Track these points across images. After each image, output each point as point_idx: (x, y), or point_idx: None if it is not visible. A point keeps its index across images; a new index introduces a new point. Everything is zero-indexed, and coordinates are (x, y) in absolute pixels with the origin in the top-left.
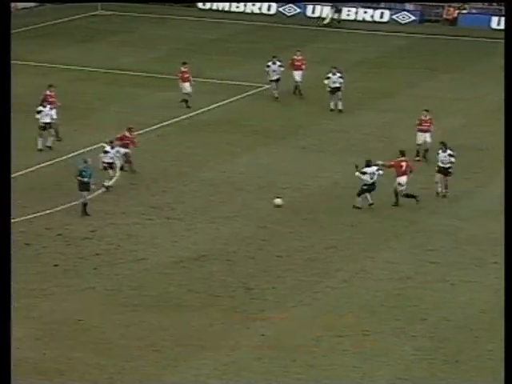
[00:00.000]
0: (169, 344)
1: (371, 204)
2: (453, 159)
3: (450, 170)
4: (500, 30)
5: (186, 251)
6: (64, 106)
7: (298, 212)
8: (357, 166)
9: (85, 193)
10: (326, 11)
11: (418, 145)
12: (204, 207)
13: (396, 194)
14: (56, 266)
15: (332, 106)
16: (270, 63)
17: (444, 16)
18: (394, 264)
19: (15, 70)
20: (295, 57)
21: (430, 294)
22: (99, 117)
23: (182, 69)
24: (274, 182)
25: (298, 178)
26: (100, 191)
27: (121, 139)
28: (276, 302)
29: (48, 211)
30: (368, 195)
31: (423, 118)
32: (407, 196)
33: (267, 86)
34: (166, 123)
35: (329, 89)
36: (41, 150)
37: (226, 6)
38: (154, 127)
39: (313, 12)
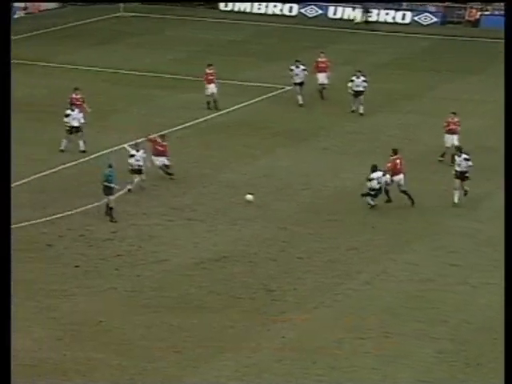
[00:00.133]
0: (190, 345)
1: (374, 205)
2: (470, 163)
3: (466, 175)
4: None
5: (207, 252)
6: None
7: (318, 213)
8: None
9: (110, 197)
10: (348, 12)
11: (447, 147)
12: (225, 209)
13: (387, 191)
14: (77, 266)
15: (353, 107)
16: (293, 67)
17: (466, 17)
18: (415, 266)
19: (37, 71)
20: (319, 59)
21: (451, 297)
22: (120, 118)
23: (207, 70)
24: (294, 184)
25: (319, 179)
26: (122, 192)
27: (154, 143)
28: (297, 304)
29: (70, 212)
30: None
31: (450, 120)
32: (405, 193)
33: (288, 88)
34: (187, 125)
35: (352, 92)
36: (62, 151)
37: (247, 7)
38: (175, 129)
39: (334, 13)
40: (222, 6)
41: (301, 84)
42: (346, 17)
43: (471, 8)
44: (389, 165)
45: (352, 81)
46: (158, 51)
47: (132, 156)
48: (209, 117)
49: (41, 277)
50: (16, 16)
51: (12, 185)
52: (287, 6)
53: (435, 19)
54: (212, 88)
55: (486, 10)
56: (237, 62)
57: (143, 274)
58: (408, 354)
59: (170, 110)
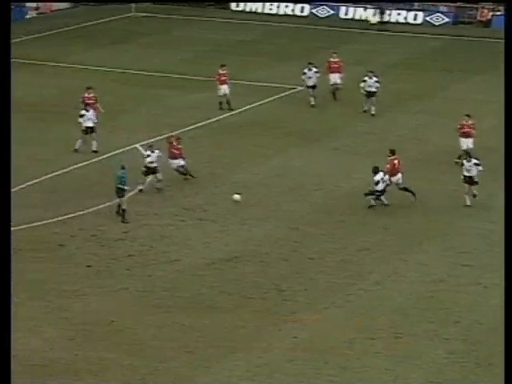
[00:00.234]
0: (201, 345)
1: (372, 206)
2: (480, 168)
3: (475, 180)
4: None
5: (219, 252)
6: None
7: (330, 214)
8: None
9: (123, 199)
10: (359, 12)
11: (463, 150)
12: (236, 209)
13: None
14: (89, 266)
15: (365, 107)
16: (306, 70)
17: (478, 18)
18: (427, 266)
19: (47, 71)
20: (331, 59)
21: (463, 297)
22: (130, 118)
23: (220, 71)
24: (306, 184)
25: (331, 179)
26: (133, 193)
27: (170, 146)
28: (308, 304)
29: (82, 212)
30: (372, 197)
31: (464, 122)
32: (405, 189)
33: (300, 88)
34: (199, 125)
35: (364, 92)
36: (76, 151)
37: (258, 7)
38: (186, 129)
39: (346, 14)
40: (233, 6)
41: (313, 87)
42: (357, 17)
43: (483, 8)
44: (387, 166)
45: (364, 81)
46: (168, 51)
47: (147, 157)
48: (221, 117)
49: (52, 277)
50: (28, 16)
51: (24, 185)
52: (298, 6)
53: (447, 19)
54: (225, 89)
55: (498, 11)
56: (248, 62)
57: (155, 274)
58: (419, 355)
59: (179, 110)
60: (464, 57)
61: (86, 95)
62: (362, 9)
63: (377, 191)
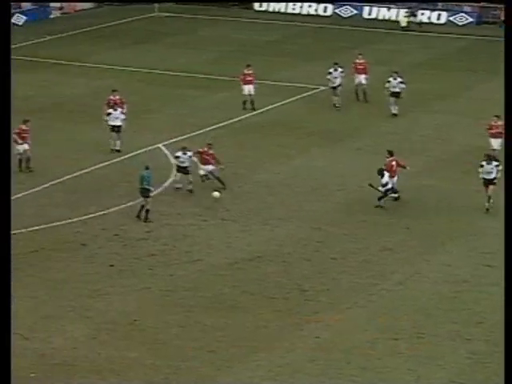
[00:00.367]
0: (223, 345)
1: (382, 206)
2: (501, 167)
3: (495, 181)
4: None
5: (241, 252)
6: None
7: (352, 214)
8: (371, 185)
9: (148, 199)
10: (383, 12)
11: (493, 150)
12: (258, 209)
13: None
14: (112, 266)
15: (392, 110)
16: (331, 70)
17: (502, 18)
18: (450, 267)
19: (72, 71)
20: (357, 60)
21: (486, 298)
22: (154, 118)
23: (245, 71)
24: (329, 184)
25: (353, 179)
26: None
27: (200, 153)
28: (330, 304)
29: (104, 212)
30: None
31: (493, 123)
32: (394, 192)
33: (323, 88)
34: (221, 125)
35: (389, 92)
36: (112, 151)
37: (282, 7)
38: (209, 129)
39: (369, 14)
40: (256, 6)
41: (338, 87)
42: (380, 17)
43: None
44: (384, 167)
45: (389, 82)
46: (192, 51)
47: (177, 157)
48: (243, 117)
49: (75, 276)
50: (52, 16)
51: (46, 184)
52: (322, 6)
53: (471, 19)
54: (249, 89)
55: None
56: (272, 62)
57: (177, 273)
58: (441, 355)
59: (204, 110)
60: (488, 57)
61: (112, 98)
62: (385, 9)
63: (387, 190)
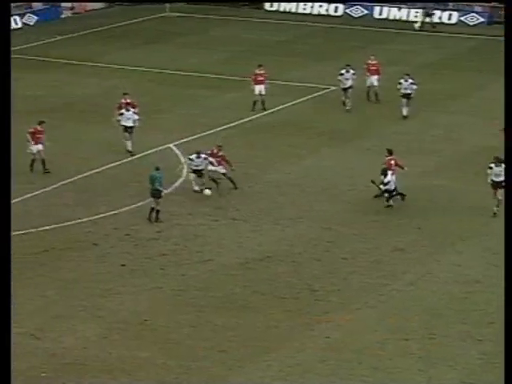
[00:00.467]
0: (234, 345)
1: (391, 206)
2: None
3: (503, 184)
4: None
5: (252, 252)
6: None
7: (363, 214)
8: (373, 182)
9: (158, 200)
10: (394, 12)
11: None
12: (269, 209)
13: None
14: (123, 265)
15: (404, 112)
16: (343, 71)
17: None
18: (461, 267)
19: (83, 71)
20: (369, 61)
21: (497, 298)
22: (165, 118)
23: (257, 71)
24: (339, 184)
25: (364, 179)
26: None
27: (212, 155)
28: (341, 304)
29: (115, 211)
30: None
31: None
32: (389, 193)
33: (333, 88)
34: (232, 125)
35: (401, 93)
36: (127, 152)
37: (292, 7)
38: (219, 128)
39: (380, 14)
40: (267, 6)
41: (349, 88)
42: (391, 17)
43: None
44: (383, 166)
45: (400, 83)
46: (203, 51)
47: (190, 160)
48: (254, 117)
49: (86, 275)
50: (63, 16)
51: (57, 184)
52: (333, 6)
53: (481, 19)
54: (260, 88)
55: None
56: (282, 62)
57: (188, 273)
58: (453, 356)
59: (215, 110)
60: (499, 57)
61: (123, 101)
62: (396, 9)
63: (387, 191)
